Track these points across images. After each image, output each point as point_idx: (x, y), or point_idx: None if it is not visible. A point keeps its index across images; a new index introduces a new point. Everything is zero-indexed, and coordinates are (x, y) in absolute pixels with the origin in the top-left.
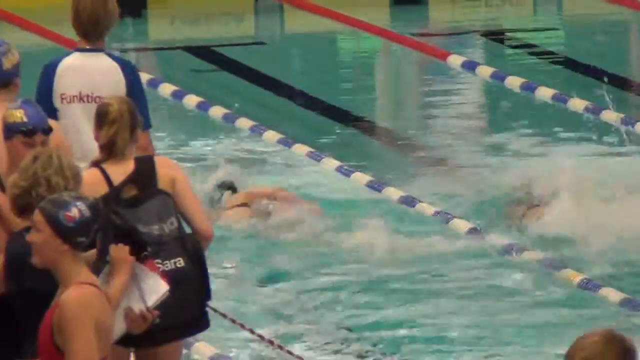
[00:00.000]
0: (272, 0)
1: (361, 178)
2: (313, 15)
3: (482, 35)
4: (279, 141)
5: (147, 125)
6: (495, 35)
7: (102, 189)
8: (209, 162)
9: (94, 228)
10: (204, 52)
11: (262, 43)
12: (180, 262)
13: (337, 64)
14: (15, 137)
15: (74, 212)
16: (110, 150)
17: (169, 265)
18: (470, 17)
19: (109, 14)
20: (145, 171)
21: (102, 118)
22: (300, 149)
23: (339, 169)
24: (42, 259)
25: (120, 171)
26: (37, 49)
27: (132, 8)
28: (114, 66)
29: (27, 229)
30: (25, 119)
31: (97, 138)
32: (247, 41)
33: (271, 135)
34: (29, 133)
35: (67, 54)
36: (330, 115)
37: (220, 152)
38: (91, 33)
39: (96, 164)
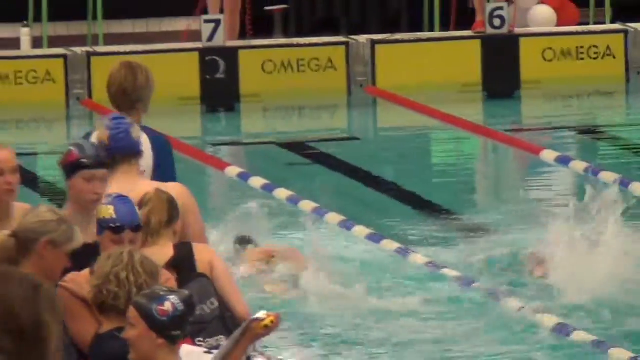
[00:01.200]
0: (365, 95)
1: (449, 273)
2: (406, 109)
3: (574, 130)
4: (368, 237)
5: None
6: (589, 131)
7: None
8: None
9: (188, 321)
10: (297, 146)
11: (355, 138)
12: (221, 340)
13: (430, 158)
14: (105, 232)
15: (167, 306)
16: (145, 231)
17: (211, 342)
18: (563, 112)
19: (139, 86)
20: (184, 256)
21: (139, 205)
22: (389, 245)
23: (427, 265)
24: (139, 354)
25: (156, 254)
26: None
27: (225, 102)
28: (144, 138)
29: (117, 330)
30: (114, 216)
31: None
32: (340, 135)
33: (360, 230)
34: (117, 230)
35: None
36: (422, 209)
37: (309, 246)
38: (122, 105)
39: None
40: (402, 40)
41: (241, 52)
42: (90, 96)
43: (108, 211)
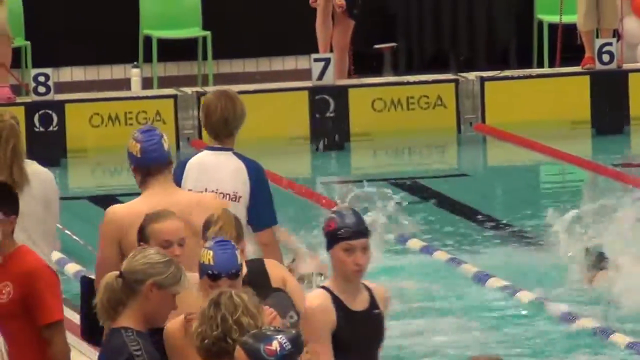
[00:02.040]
0: (474, 133)
1: (559, 308)
2: (516, 146)
3: None
4: (475, 275)
5: (272, 222)
6: None
7: None
8: None
9: None
10: (406, 184)
11: (464, 174)
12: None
13: (540, 195)
14: (204, 277)
15: (275, 346)
16: None
17: None
18: None
19: (238, 115)
20: (257, 272)
21: (207, 224)
22: (496, 283)
23: (535, 300)
24: None
25: None
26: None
27: (335, 142)
28: (240, 166)
29: None
30: (212, 262)
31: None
32: (449, 173)
33: (468, 268)
34: (215, 278)
35: (197, 153)
36: (531, 245)
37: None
38: (221, 133)
39: None
40: (511, 77)
41: (351, 91)
42: (200, 136)
43: (207, 256)
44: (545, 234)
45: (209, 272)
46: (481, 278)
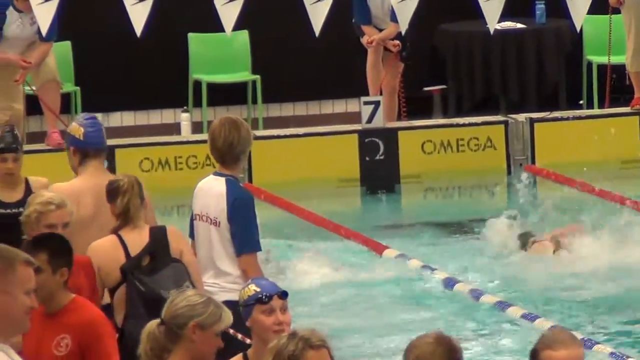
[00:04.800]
0: (525, 173)
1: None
2: (566, 187)
3: None
4: (523, 315)
5: (249, 250)
6: None
7: (120, 255)
8: None
9: None
10: (457, 226)
11: (513, 218)
12: None
13: (591, 235)
14: (254, 308)
15: None
16: (125, 217)
17: None
18: None
19: (242, 139)
20: (159, 242)
21: (115, 192)
22: (544, 324)
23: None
24: None
25: (136, 239)
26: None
27: (385, 183)
28: (222, 192)
29: None
30: (258, 289)
31: (113, 212)
32: (499, 214)
33: (515, 311)
34: (266, 300)
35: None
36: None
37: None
38: (227, 158)
39: (114, 231)
40: (561, 118)
41: (400, 133)
42: (250, 181)
43: (251, 289)
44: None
45: (260, 296)
46: (529, 317)
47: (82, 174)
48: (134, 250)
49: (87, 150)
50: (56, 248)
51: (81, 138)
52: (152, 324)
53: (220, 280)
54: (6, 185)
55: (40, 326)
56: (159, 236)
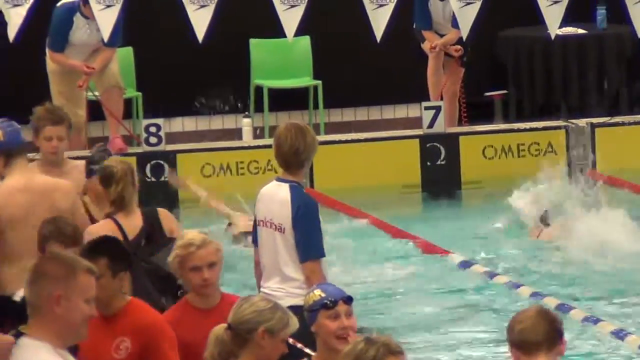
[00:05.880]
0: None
1: None
2: (628, 192)
3: None
4: (583, 319)
5: (312, 256)
6: None
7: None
8: None
9: None
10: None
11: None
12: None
13: None
14: (319, 314)
15: None
16: (120, 204)
17: None
18: None
19: (308, 145)
20: (153, 224)
21: (109, 178)
22: (606, 327)
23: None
24: None
25: (131, 223)
26: None
27: (446, 188)
28: (287, 199)
29: None
30: (324, 294)
31: (107, 198)
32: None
33: (576, 314)
34: (331, 306)
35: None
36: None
37: None
38: (292, 164)
39: (109, 215)
40: (622, 123)
41: (462, 138)
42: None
43: (316, 294)
44: None
45: (325, 302)
46: (590, 320)
47: (10, 175)
48: (131, 234)
49: (10, 150)
50: (116, 252)
51: (3, 139)
52: (220, 328)
53: (286, 285)
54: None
55: (98, 329)
56: (151, 219)
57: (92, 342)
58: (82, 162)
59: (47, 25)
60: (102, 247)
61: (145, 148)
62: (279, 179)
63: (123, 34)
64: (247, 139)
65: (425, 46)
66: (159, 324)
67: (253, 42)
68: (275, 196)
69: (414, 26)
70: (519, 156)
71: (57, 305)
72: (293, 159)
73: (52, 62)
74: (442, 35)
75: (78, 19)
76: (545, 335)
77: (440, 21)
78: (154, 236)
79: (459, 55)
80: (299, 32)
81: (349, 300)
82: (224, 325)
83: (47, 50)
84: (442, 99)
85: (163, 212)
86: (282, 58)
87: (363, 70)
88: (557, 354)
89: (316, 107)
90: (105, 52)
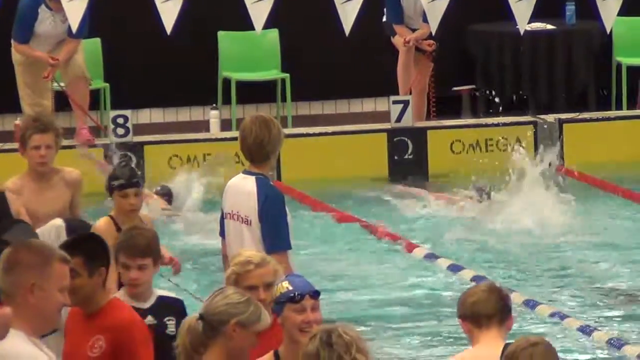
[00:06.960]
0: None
1: None
2: (595, 188)
3: None
4: (579, 328)
5: (279, 248)
6: None
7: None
8: None
9: None
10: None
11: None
12: None
13: (626, 238)
14: (285, 307)
15: None
16: None
17: None
18: None
19: (273, 137)
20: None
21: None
22: (602, 337)
23: None
24: None
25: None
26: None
27: (414, 182)
28: (253, 191)
29: None
30: (291, 287)
31: None
32: None
33: (570, 322)
34: (298, 299)
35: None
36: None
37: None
38: (256, 157)
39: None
40: (590, 119)
41: (430, 132)
42: (279, 179)
43: (284, 286)
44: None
45: (291, 295)
46: (585, 330)
47: None
48: None
49: None
50: (91, 250)
51: None
52: (192, 318)
53: None
54: (130, 222)
55: (79, 327)
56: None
57: (75, 338)
58: (70, 172)
59: (12, 16)
60: (78, 246)
61: (112, 139)
62: (246, 172)
63: (91, 25)
64: (215, 131)
65: (396, 40)
66: (132, 324)
67: (221, 34)
68: (242, 189)
69: (384, 20)
70: (486, 151)
71: (31, 294)
72: (258, 151)
73: (17, 53)
74: (413, 30)
75: (43, 10)
76: (497, 308)
77: (412, 15)
78: (3, 218)
79: (433, 48)
80: (268, 25)
81: (315, 294)
82: (196, 315)
83: (12, 41)
84: (410, 93)
85: (9, 195)
86: (251, 51)
87: (331, 64)
88: (507, 328)
89: (284, 100)
90: (70, 44)
